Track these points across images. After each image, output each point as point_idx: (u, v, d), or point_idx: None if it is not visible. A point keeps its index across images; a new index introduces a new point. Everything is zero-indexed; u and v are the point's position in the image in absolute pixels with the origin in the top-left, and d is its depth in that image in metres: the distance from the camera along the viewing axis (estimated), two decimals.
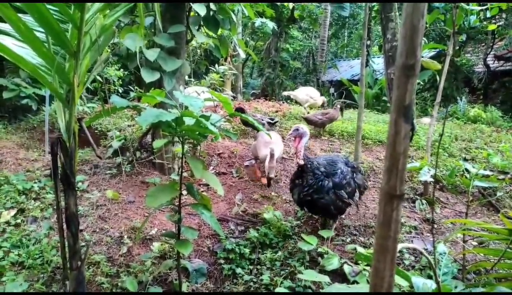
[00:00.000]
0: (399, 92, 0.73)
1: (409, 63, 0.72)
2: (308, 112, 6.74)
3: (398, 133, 0.74)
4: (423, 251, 1.18)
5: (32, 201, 3.55)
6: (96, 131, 5.26)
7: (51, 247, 2.95)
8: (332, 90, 13.69)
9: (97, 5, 1.93)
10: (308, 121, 5.81)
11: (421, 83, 8.04)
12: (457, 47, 13.63)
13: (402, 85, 0.73)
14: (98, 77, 5.98)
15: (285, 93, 8.19)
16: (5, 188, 3.62)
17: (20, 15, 1.76)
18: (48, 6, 1.73)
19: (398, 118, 0.74)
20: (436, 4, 10.84)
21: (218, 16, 3.91)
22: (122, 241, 3.18)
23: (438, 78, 4.33)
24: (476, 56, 14.12)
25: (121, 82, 6.53)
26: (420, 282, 1.36)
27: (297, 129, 3.23)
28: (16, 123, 5.68)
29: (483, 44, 13.79)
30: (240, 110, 5.69)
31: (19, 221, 3.27)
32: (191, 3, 3.73)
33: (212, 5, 3.69)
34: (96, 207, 3.58)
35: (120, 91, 6.45)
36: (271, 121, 5.39)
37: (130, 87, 7.71)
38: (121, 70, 6.67)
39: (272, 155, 3.78)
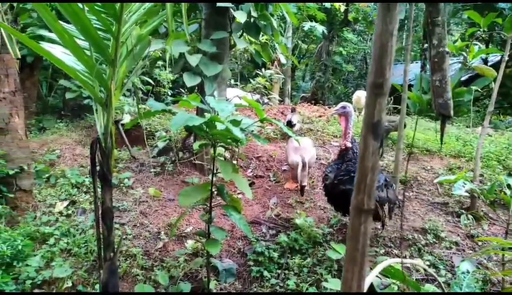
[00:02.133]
0: (369, 110, 0.74)
1: (378, 82, 0.73)
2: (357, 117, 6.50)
3: (367, 149, 0.75)
4: (425, 266, 1.14)
5: (83, 194, 3.87)
6: (146, 131, 5.56)
7: (95, 238, 3.19)
8: None
9: (135, 17, 2.08)
10: None
11: (480, 90, 7.51)
12: None
13: (371, 103, 0.74)
14: (150, 80, 6.34)
15: (354, 96, 7.70)
16: (61, 181, 3.98)
17: (64, 25, 1.96)
18: (89, 16, 1.91)
19: (367, 134, 0.75)
20: (502, 5, 10.09)
21: (260, 22, 3.99)
22: (159, 236, 3.36)
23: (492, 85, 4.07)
24: None
25: (170, 85, 6.84)
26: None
27: (344, 107, 3.10)
28: (77, 122, 6.18)
29: None
30: (292, 110, 5.80)
31: (70, 212, 3.58)
32: (232, 11, 3.84)
33: (253, 12, 3.77)
34: (139, 203, 3.81)
35: (169, 93, 6.76)
36: (291, 123, 5.35)
37: (181, 89, 8.07)
38: (172, 73, 6.99)
39: (304, 163, 3.77)
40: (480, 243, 3.38)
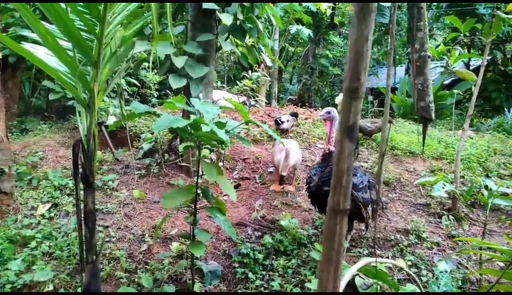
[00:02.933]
0: (344, 114, 0.76)
1: (353, 86, 0.75)
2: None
3: (342, 152, 0.77)
4: (403, 266, 1.17)
5: (66, 196, 3.81)
6: (130, 133, 5.52)
7: (78, 241, 3.16)
8: (370, 98, 13.38)
9: (119, 18, 2.08)
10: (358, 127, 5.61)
11: (461, 94, 7.68)
12: (508, 56, 12.88)
13: (347, 106, 0.76)
14: (136, 82, 6.30)
15: (337, 99, 7.92)
16: (44, 183, 3.92)
17: (47, 25, 1.94)
18: (72, 17, 1.90)
19: (342, 137, 0.77)
20: (482, 11, 10.33)
21: (246, 24, 4.00)
22: (143, 239, 3.34)
23: (473, 89, 4.17)
24: None
25: (157, 87, 6.81)
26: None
27: (329, 112, 3.13)
28: (60, 123, 6.09)
29: None
30: (294, 115, 5.90)
31: (52, 214, 3.52)
32: (218, 13, 3.84)
33: (239, 14, 3.79)
34: (123, 205, 3.78)
35: (155, 95, 6.72)
36: (279, 121, 5.48)
37: (168, 91, 8.02)
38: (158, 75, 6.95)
39: (287, 154, 3.81)
40: (460, 243, 3.45)
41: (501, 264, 3.11)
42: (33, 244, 3.09)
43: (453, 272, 2.61)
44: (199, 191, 2.63)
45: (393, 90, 11.86)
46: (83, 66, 2.13)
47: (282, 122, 5.44)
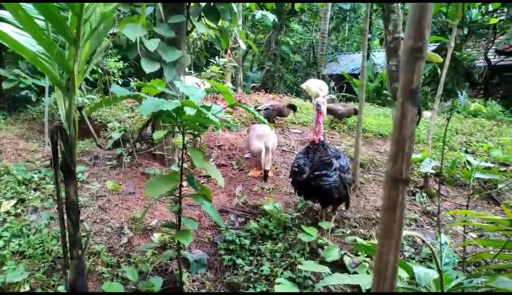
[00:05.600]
0: (407, 76, 0.72)
1: (417, 46, 0.71)
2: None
3: (405, 117, 0.73)
4: (426, 239, 1.17)
5: (32, 191, 3.55)
6: (96, 122, 5.24)
7: (52, 237, 2.95)
8: (332, 84, 13.64)
9: None
10: (328, 111, 5.62)
11: (424, 76, 8.02)
12: (459, 41, 13.58)
13: (409, 69, 0.71)
14: (98, 69, 5.95)
15: (303, 85, 7.97)
16: (5, 178, 3.62)
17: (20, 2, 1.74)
18: None
19: (405, 101, 0.73)
20: None
21: (219, 6, 3.88)
22: (122, 231, 3.18)
23: (439, 71, 4.32)
24: (477, 50, 14.07)
25: (120, 74, 6.49)
26: (422, 271, 1.36)
27: (319, 105, 3.14)
28: (15, 114, 5.66)
29: (485, 38, 13.73)
30: (292, 107, 5.83)
31: (19, 211, 3.26)
32: None
33: None
34: (97, 197, 3.57)
35: (120, 82, 6.41)
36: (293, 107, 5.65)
37: (130, 79, 7.68)
38: (121, 62, 6.63)
39: (267, 148, 3.78)
40: (436, 218, 3.60)
41: (475, 235, 3.30)
42: (0, 243, 2.84)
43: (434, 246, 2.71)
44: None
45: (355, 76, 12.17)
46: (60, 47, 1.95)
47: (266, 109, 5.47)
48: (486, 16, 12.38)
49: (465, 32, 12.65)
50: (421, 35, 0.71)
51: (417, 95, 0.73)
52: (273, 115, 5.67)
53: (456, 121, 6.67)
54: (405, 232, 1.62)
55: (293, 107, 5.85)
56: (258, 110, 5.47)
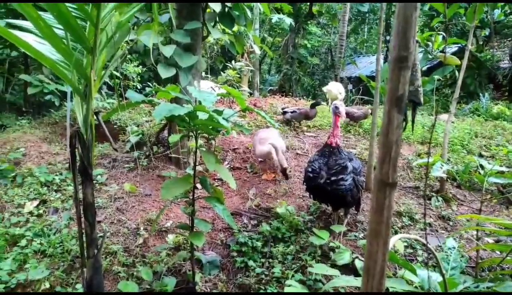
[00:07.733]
0: (392, 84, 0.75)
1: (402, 55, 0.74)
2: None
3: (391, 123, 0.76)
4: (422, 241, 1.19)
5: (54, 192, 3.69)
6: (115, 126, 5.39)
7: (71, 237, 3.07)
8: (350, 86, 13.52)
9: (113, 3, 1.99)
10: (345, 113, 5.57)
11: (441, 79, 7.88)
12: (481, 42, 13.26)
13: (395, 77, 0.75)
14: (117, 74, 6.13)
15: (325, 88, 8.02)
16: (29, 180, 3.78)
17: (40, 12, 1.84)
18: (67, 4, 1.81)
19: (391, 108, 0.76)
20: None
21: (234, 12, 3.95)
22: (138, 232, 3.27)
23: (457, 74, 4.26)
24: (501, 51, 13.69)
25: (139, 79, 6.66)
26: (425, 274, 1.37)
27: (337, 107, 3.16)
28: (39, 118, 5.88)
29: (510, 39, 13.36)
30: (316, 104, 5.83)
31: (41, 211, 3.40)
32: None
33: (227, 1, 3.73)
34: (114, 199, 3.69)
35: (139, 87, 6.57)
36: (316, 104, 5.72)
37: (149, 83, 7.86)
38: (140, 67, 6.81)
39: (275, 148, 3.84)
40: (451, 223, 3.55)
41: (491, 240, 3.23)
42: (23, 242, 2.98)
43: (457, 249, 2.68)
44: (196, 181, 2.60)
45: (374, 78, 12.02)
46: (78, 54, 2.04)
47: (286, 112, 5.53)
48: (511, 16, 12.06)
49: (487, 33, 12.34)
50: (406, 46, 0.74)
51: (403, 102, 0.75)
52: (300, 119, 5.74)
53: (476, 124, 6.52)
54: (401, 235, 1.63)
55: (317, 104, 5.84)
56: (285, 113, 5.54)
